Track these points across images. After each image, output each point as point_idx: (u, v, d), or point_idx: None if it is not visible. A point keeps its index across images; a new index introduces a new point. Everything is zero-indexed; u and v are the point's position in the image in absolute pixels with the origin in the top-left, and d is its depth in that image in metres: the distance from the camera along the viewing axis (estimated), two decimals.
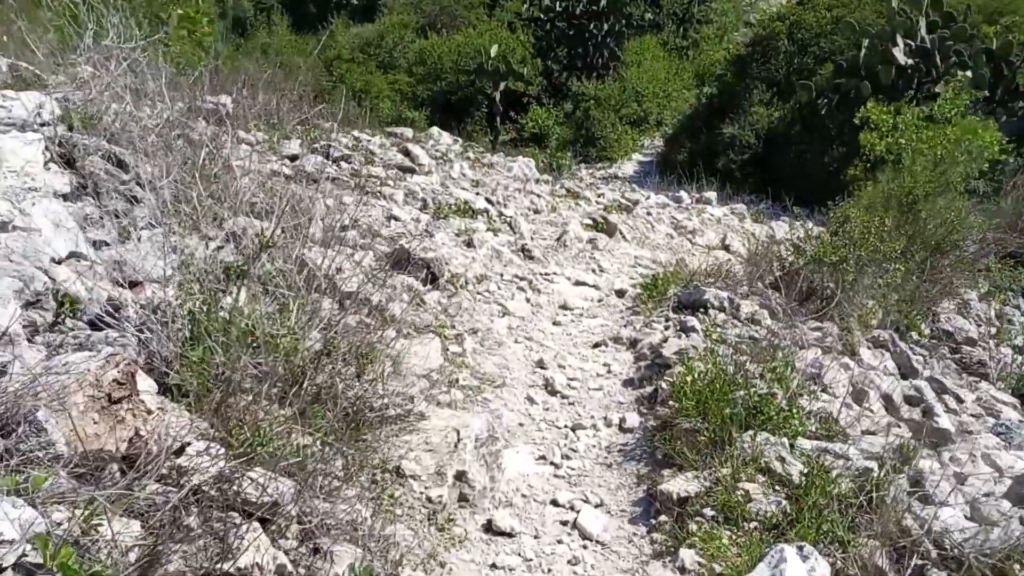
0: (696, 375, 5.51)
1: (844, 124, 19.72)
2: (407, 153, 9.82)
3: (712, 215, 13.46)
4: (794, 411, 5.09)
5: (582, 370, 6.59)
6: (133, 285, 5.03)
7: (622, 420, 5.81)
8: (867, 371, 7.42)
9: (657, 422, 5.68)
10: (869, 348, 8.02)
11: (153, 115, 7.41)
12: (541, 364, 6.60)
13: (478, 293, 7.70)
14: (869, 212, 9.60)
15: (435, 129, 12.05)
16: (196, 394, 3.84)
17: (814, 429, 5.36)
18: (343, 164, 8.84)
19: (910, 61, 19.43)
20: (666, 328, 7.13)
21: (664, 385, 5.92)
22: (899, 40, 18.99)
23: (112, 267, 5.09)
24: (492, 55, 25.42)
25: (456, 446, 4.76)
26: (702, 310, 7.31)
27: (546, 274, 8.59)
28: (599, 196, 12.03)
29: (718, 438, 4.96)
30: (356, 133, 10.19)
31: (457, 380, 6.00)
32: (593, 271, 9.18)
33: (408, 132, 11.22)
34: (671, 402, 5.73)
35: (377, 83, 25.88)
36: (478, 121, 26.55)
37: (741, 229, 13.13)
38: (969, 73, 18.90)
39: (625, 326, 7.40)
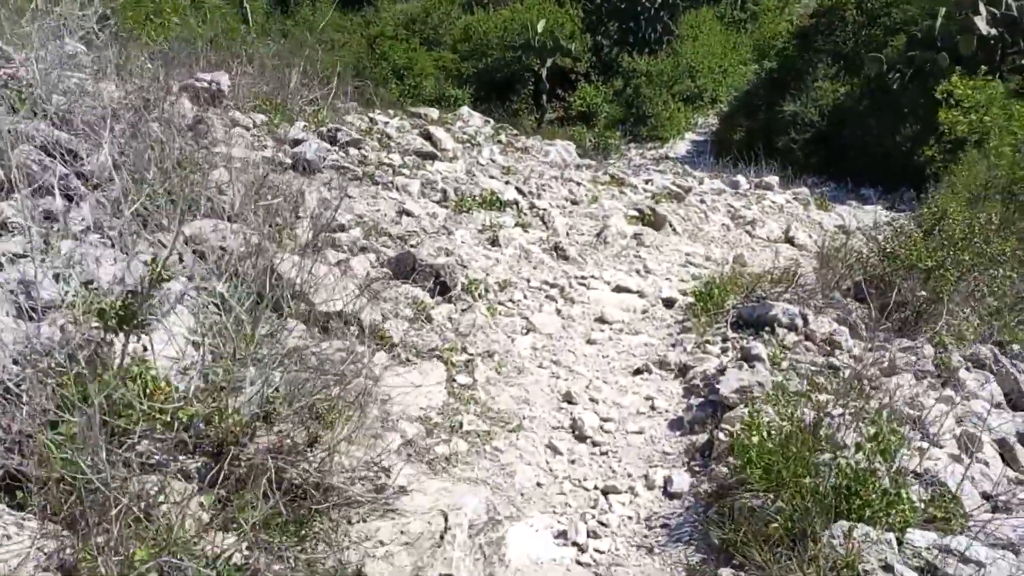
0: (764, 431, 4.16)
1: (918, 100, 17.87)
2: (428, 137, 8.55)
3: (773, 202, 11.94)
4: (902, 494, 3.70)
5: (619, 406, 5.26)
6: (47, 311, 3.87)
7: (667, 481, 4.47)
8: (971, 399, 5.99)
9: (712, 486, 4.35)
10: (968, 369, 6.54)
11: (122, 95, 6.24)
12: (569, 398, 5.29)
13: (499, 304, 6.41)
14: (970, 205, 8.08)
15: (465, 109, 10.75)
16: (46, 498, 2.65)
17: (922, 505, 3.98)
18: (351, 150, 7.60)
19: (993, 31, 17.47)
20: (723, 351, 5.76)
21: (722, 436, 4.58)
22: (981, 8, 17.07)
23: (19, 289, 3.92)
24: (539, 30, 23.95)
25: (442, 537, 3.49)
26: (767, 329, 5.92)
27: (582, 278, 7.26)
28: (647, 183, 10.62)
29: (797, 528, 3.62)
30: (373, 114, 8.93)
31: (461, 424, 4.72)
32: (637, 272, 7.81)
33: (433, 113, 9.92)
34: (730, 458, 4.40)
35: (420, 60, 24.61)
36: (524, 99, 25.13)
37: (806, 218, 11.59)
38: None
39: (673, 346, 6.04)
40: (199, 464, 3.30)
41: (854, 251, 7.70)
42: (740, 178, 13.22)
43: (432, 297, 5.89)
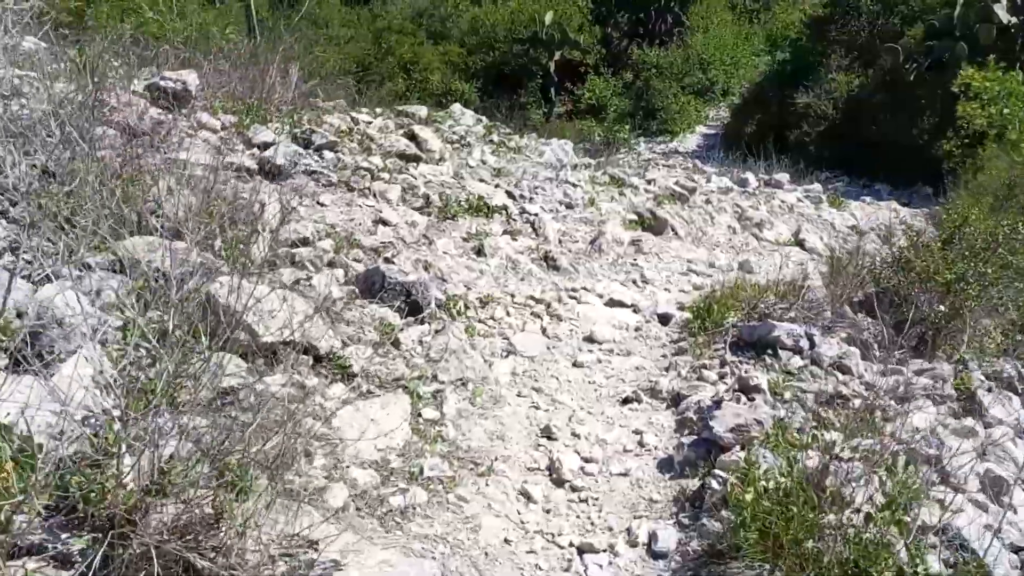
0: (760, 485, 3.57)
1: (936, 92, 17.10)
2: (413, 137, 7.98)
3: (783, 202, 11.28)
4: (919, 572, 3.11)
5: (604, 443, 4.68)
6: None
7: (652, 537, 3.89)
8: (994, 424, 5.38)
9: (703, 545, 3.78)
10: (991, 390, 5.91)
11: (69, 95, 5.71)
12: (549, 433, 4.72)
13: (479, 322, 5.84)
14: (993, 211, 7.43)
15: (457, 107, 10.16)
16: None
17: (940, 571, 3.39)
18: (327, 154, 7.04)
19: (1014, 19, 16.69)
20: (721, 377, 5.16)
21: (715, 484, 4.00)
22: None
23: None
24: (547, 23, 23.32)
25: None
26: (770, 352, 5.31)
27: (572, 290, 6.68)
28: (649, 183, 10.00)
29: None
30: (357, 114, 8.36)
31: (422, 470, 4.16)
32: (634, 283, 7.22)
33: (422, 111, 9.33)
34: (724, 512, 3.82)
35: (427, 54, 24.02)
36: (532, 92, 24.50)
37: (817, 218, 10.93)
38: None
39: (667, 370, 5.45)
40: (85, 544, 2.76)
41: (866, 260, 7.08)
42: (749, 175, 12.56)
43: (402, 317, 5.32)
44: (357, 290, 5.42)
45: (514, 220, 7.48)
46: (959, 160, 13.42)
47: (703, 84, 23.11)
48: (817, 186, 14.29)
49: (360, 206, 6.69)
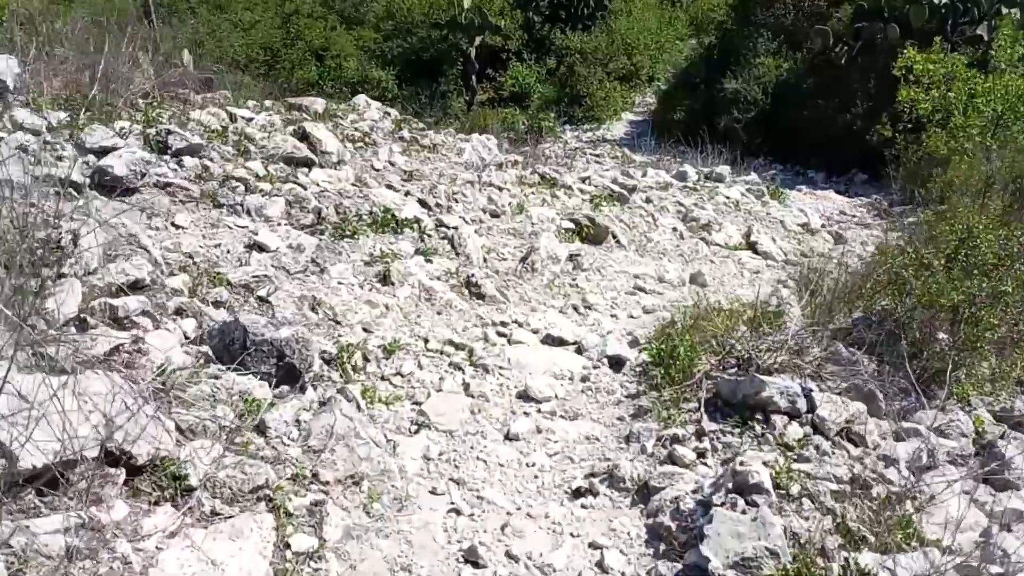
0: None
1: (868, 76, 16.15)
2: (304, 137, 6.39)
3: (727, 198, 10.04)
4: None
5: (551, 570, 3.29)
6: None
7: None
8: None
9: None
10: (1004, 436, 4.73)
11: None
12: (474, 557, 3.29)
13: (381, 379, 4.37)
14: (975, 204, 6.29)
15: (362, 98, 8.54)
16: None
17: None
18: (188, 160, 5.43)
19: (946, 0, 15.83)
20: (699, 455, 3.81)
21: None
22: None
23: None
24: (466, 6, 21.71)
25: None
26: (759, 417, 3.99)
27: (502, 325, 5.25)
28: (584, 181, 8.63)
29: None
30: (236, 109, 6.72)
31: None
32: (575, 308, 5.83)
33: (318, 104, 7.70)
34: None
35: (339, 40, 22.18)
36: (452, 80, 22.90)
37: (766, 216, 9.72)
38: (1017, 12, 15.32)
39: (627, 441, 4.07)
40: None
41: (844, 277, 5.84)
42: (688, 168, 11.30)
43: (273, 388, 3.82)
44: (211, 350, 3.88)
45: (428, 236, 5.99)
46: (902, 146, 12.43)
47: (628, 69, 21.85)
48: (753, 176, 13.18)
49: (229, 227, 5.12)
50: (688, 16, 24.00)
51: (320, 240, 5.52)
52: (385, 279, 5.35)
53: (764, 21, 18.89)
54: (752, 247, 8.41)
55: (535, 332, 5.26)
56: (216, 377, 3.70)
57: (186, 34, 21.53)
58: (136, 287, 4.00)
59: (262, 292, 4.61)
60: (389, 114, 8.01)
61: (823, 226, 9.97)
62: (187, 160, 5.41)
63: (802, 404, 3.98)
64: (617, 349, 4.95)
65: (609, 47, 21.77)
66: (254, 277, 4.65)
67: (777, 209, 10.02)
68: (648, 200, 8.94)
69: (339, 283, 5.13)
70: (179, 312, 4.13)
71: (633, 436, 4.05)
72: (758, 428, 3.91)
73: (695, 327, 5.17)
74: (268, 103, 7.67)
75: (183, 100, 6.71)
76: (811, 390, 4.08)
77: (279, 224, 5.32)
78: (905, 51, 12.43)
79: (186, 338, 3.96)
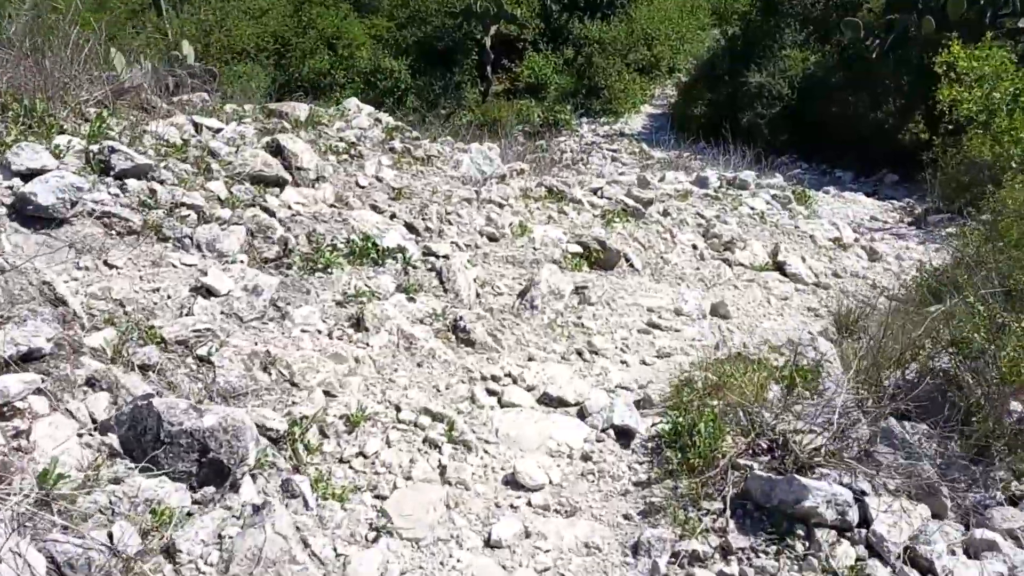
0: None
1: (901, 71, 15.10)
2: (277, 151, 5.57)
3: (752, 209, 9.14)
4: None
5: None
6: None
7: None
8: None
9: None
10: None
11: None
12: None
13: (340, 463, 3.57)
14: None
15: (353, 102, 7.65)
16: None
17: None
18: (132, 184, 4.63)
19: None
20: None
21: None
22: None
23: None
24: None
25: None
26: (800, 532, 3.16)
27: (493, 379, 4.44)
28: (596, 193, 7.77)
29: None
30: (202, 118, 5.89)
31: None
32: (579, 354, 5.00)
33: (301, 110, 6.82)
34: None
35: (352, 29, 21.34)
36: (467, 70, 22.00)
37: (794, 230, 8.81)
38: None
39: (635, 553, 3.25)
40: None
41: (890, 331, 4.94)
42: (709, 174, 10.39)
43: (195, 490, 3.03)
44: (119, 441, 3.10)
45: (414, 267, 5.17)
46: (941, 150, 11.44)
47: (648, 60, 20.85)
48: (779, 179, 12.24)
49: (174, 266, 4.32)
50: (710, 5, 22.91)
51: (285, 276, 4.72)
52: (359, 324, 4.55)
53: (790, 11, 17.82)
54: (780, 268, 7.53)
55: (531, 389, 4.44)
56: (118, 481, 2.92)
57: (193, 23, 20.79)
58: (32, 358, 3.21)
59: (203, 350, 3.81)
60: (380, 121, 7.15)
61: (856, 240, 9.04)
62: (132, 184, 4.60)
63: (853, 515, 3.14)
64: (625, 417, 4.12)
65: (629, 37, 20.77)
66: (195, 332, 3.86)
67: (806, 221, 9.11)
68: (666, 212, 8.07)
69: (302, 331, 4.33)
70: (91, 383, 3.34)
71: (642, 547, 3.22)
72: (799, 546, 3.07)
73: (717, 388, 4.33)
74: (247, 107, 6.84)
75: (147, 107, 5.90)
76: (863, 494, 3.23)
77: (235, 260, 4.52)
78: (948, 46, 11.42)
79: (92, 422, 3.17)
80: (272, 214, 5.04)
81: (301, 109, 6.69)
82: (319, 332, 4.41)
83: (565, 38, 21.56)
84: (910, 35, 14.64)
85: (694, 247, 7.49)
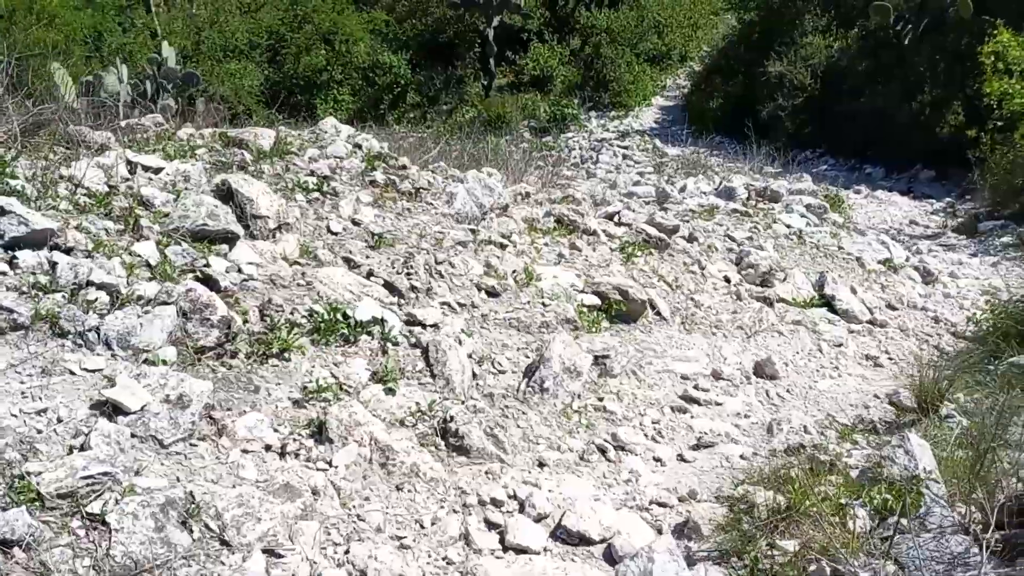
0: None
1: (935, 58, 13.87)
2: (229, 195, 4.48)
3: (788, 227, 8.02)
4: None
5: None
6: None
7: None
8: None
9: None
10: None
11: None
12: None
13: None
14: None
15: (330, 123, 6.48)
16: None
17: None
18: (28, 256, 3.54)
19: None
20: None
21: None
22: None
23: None
24: None
25: None
26: None
27: (493, 504, 3.39)
28: (613, 220, 6.66)
29: None
30: (137, 155, 4.77)
31: None
32: (601, 452, 3.94)
33: (264, 137, 5.67)
34: None
35: (349, 23, 20.22)
36: (470, 64, 20.86)
37: (838, 252, 7.70)
38: None
39: None
40: None
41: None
42: (736, 183, 9.26)
43: None
44: None
45: (394, 345, 4.10)
46: (988, 148, 10.27)
47: (659, 50, 19.65)
48: (808, 181, 11.10)
49: (72, 373, 3.27)
50: None
51: (228, 370, 3.66)
52: (321, 432, 3.49)
53: None
54: (827, 303, 6.44)
55: (542, 519, 3.38)
56: None
57: (184, 19, 19.68)
58: None
59: (96, 505, 2.77)
60: (360, 147, 6.02)
61: (907, 259, 7.92)
62: (25, 257, 3.54)
63: None
64: (668, 568, 3.05)
65: (638, 25, 19.57)
66: (87, 479, 2.81)
67: (850, 239, 7.98)
68: (692, 238, 6.97)
69: (244, 452, 3.28)
70: None
71: None
72: None
73: (787, 517, 3.26)
74: (206, 133, 5.75)
75: (78, 140, 4.82)
76: None
77: (158, 359, 3.46)
78: (992, 32, 10.23)
79: None
80: (214, 284, 3.97)
81: (265, 136, 5.59)
82: (267, 450, 3.35)
83: (571, 28, 20.37)
84: (945, 19, 13.39)
85: (727, 280, 6.40)
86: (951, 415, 4.35)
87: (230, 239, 4.34)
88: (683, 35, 20.00)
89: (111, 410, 3.15)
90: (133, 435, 3.12)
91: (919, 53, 13.67)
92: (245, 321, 3.92)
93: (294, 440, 3.47)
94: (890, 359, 5.82)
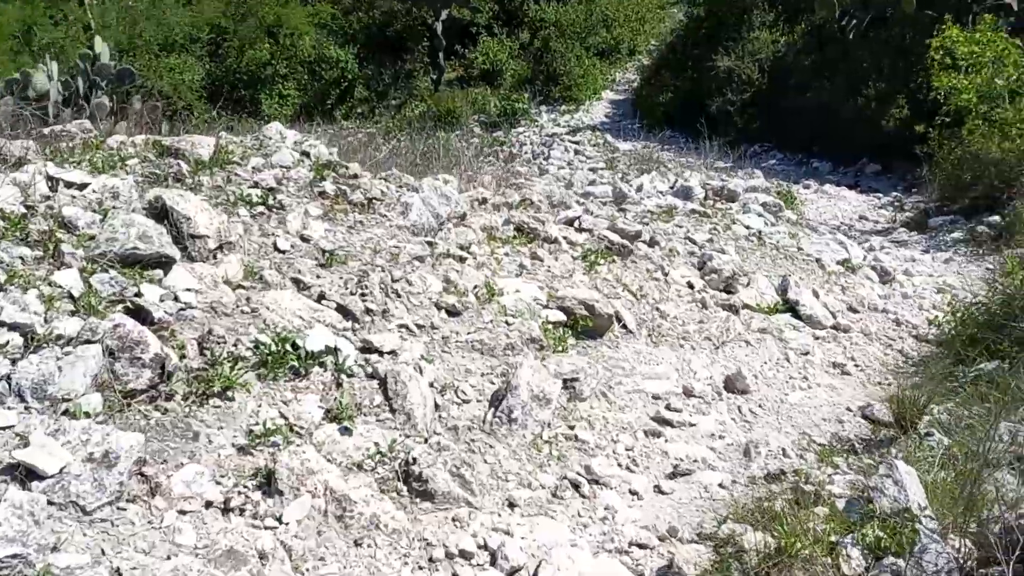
0: None
1: (881, 53, 13.84)
2: (163, 215, 4.02)
3: (747, 228, 7.82)
4: None
5: None
6: None
7: None
8: None
9: None
10: None
11: None
12: None
13: None
14: None
15: (275, 128, 5.96)
16: None
17: None
18: None
19: None
20: None
21: None
22: None
23: None
24: None
25: None
26: None
27: (461, 558, 3.05)
28: (573, 226, 6.35)
29: None
30: (59, 170, 4.25)
31: None
32: (575, 487, 3.62)
33: (204, 146, 5.13)
34: None
35: (294, 16, 19.50)
36: (418, 58, 20.34)
37: (798, 253, 7.51)
38: None
39: None
40: None
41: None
42: (693, 182, 9.02)
43: None
44: None
45: (349, 377, 3.72)
46: (937, 143, 10.21)
47: (608, 43, 19.39)
48: (761, 178, 10.95)
49: None
50: None
51: (163, 415, 3.25)
52: (270, 483, 3.10)
53: None
54: (792, 308, 6.22)
55: (516, 571, 3.05)
56: None
57: (119, 12, 18.75)
58: None
59: None
60: (308, 155, 5.57)
61: (864, 258, 7.77)
62: None
63: None
64: None
65: (587, 19, 19.27)
66: None
67: (809, 241, 7.79)
68: (653, 242, 6.70)
69: (180, 513, 2.88)
70: None
71: None
72: None
73: (776, 563, 2.99)
74: (139, 140, 5.25)
75: None
76: None
77: (79, 411, 3.02)
78: (939, 27, 10.16)
79: None
80: (147, 316, 3.54)
81: (204, 145, 5.10)
82: (208, 507, 2.95)
83: (520, 21, 19.99)
84: (889, 14, 13.37)
85: (690, 286, 6.14)
86: (930, 432, 4.13)
87: (165, 263, 3.89)
88: (631, 29, 19.77)
89: (24, 475, 2.72)
90: (50, 503, 2.70)
91: (863, 48, 13.63)
92: (182, 357, 3.50)
93: (239, 493, 3.07)
94: (856, 366, 5.63)
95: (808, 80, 14.27)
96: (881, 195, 12.04)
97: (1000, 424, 4.18)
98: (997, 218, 8.83)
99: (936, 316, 6.29)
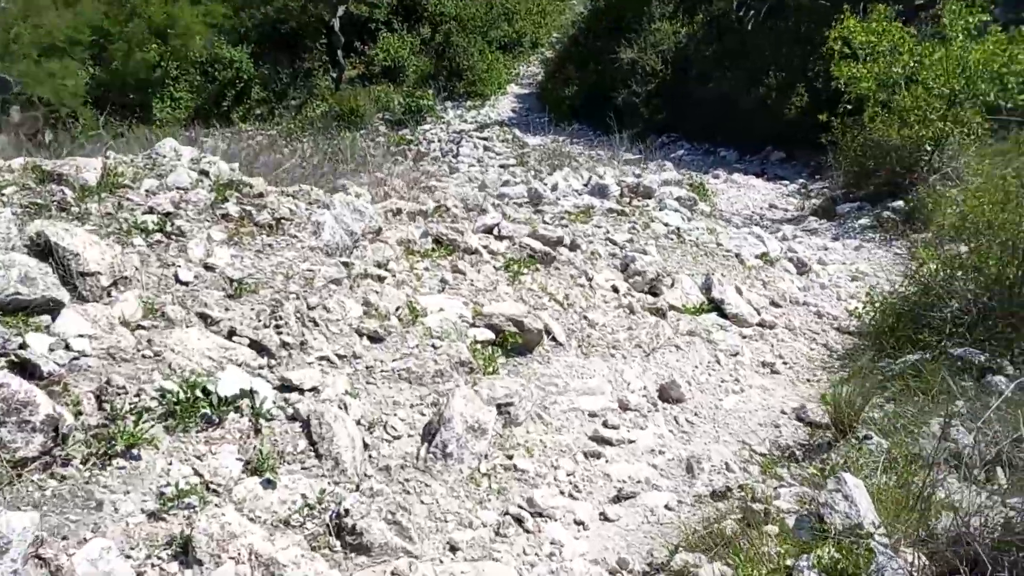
0: None
1: (780, 43, 14.14)
2: (47, 251, 3.58)
3: (666, 225, 7.79)
4: None
5: None
6: None
7: None
8: None
9: None
10: None
11: None
12: None
13: None
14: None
15: (168, 145, 5.46)
16: None
17: None
18: None
19: None
20: None
21: None
22: None
23: None
24: None
25: None
26: None
27: None
28: (492, 234, 6.15)
29: None
30: None
31: None
32: (518, 522, 3.44)
33: (91, 170, 4.60)
34: None
35: (183, 16, 18.57)
36: (317, 56, 19.72)
37: (717, 249, 7.52)
38: None
39: None
40: None
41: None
42: (608, 180, 8.95)
43: None
44: None
45: (268, 421, 3.43)
46: (840, 131, 10.46)
47: (510, 37, 19.24)
48: (672, 171, 11.01)
49: None
50: None
51: (60, 483, 2.89)
52: (186, 552, 2.80)
53: None
54: (718, 307, 6.21)
55: None
56: None
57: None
58: None
59: None
60: (207, 174, 5.16)
61: (781, 251, 7.87)
62: None
63: None
64: None
65: (488, 12, 19.07)
66: None
67: (727, 236, 7.83)
68: (574, 245, 6.57)
69: None
70: None
71: None
72: None
73: None
74: (15, 165, 4.76)
75: None
76: None
77: None
78: (835, 16, 10.40)
79: None
80: (35, 370, 3.16)
81: (90, 168, 4.64)
82: None
83: (420, 16, 19.62)
84: (786, 4, 13.67)
85: (615, 289, 6.04)
86: (868, 435, 4.13)
87: (53, 307, 3.50)
88: (533, 22, 19.68)
89: None
90: None
91: (762, 38, 13.90)
92: (78, 414, 3.14)
93: (152, 567, 2.77)
94: (785, 364, 5.65)
95: (709, 70, 14.48)
96: (788, 182, 12.30)
97: (932, 421, 4.23)
98: (901, 203, 9.10)
99: (856, 308, 6.39)
